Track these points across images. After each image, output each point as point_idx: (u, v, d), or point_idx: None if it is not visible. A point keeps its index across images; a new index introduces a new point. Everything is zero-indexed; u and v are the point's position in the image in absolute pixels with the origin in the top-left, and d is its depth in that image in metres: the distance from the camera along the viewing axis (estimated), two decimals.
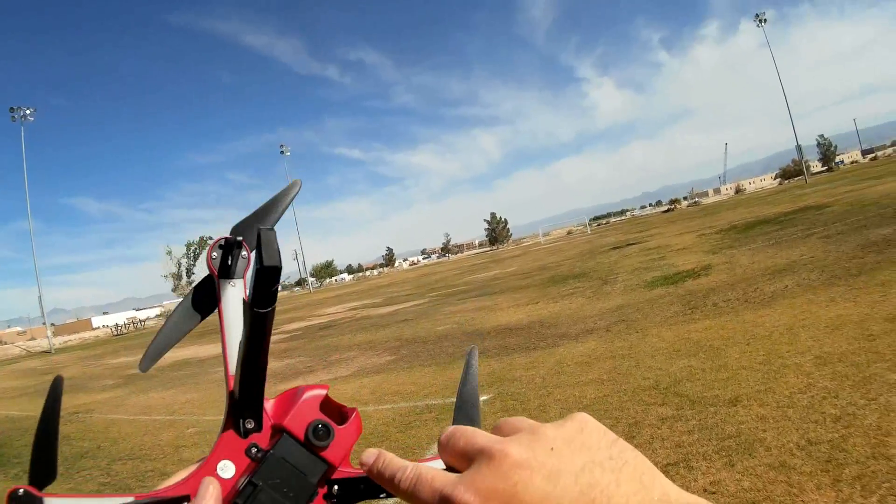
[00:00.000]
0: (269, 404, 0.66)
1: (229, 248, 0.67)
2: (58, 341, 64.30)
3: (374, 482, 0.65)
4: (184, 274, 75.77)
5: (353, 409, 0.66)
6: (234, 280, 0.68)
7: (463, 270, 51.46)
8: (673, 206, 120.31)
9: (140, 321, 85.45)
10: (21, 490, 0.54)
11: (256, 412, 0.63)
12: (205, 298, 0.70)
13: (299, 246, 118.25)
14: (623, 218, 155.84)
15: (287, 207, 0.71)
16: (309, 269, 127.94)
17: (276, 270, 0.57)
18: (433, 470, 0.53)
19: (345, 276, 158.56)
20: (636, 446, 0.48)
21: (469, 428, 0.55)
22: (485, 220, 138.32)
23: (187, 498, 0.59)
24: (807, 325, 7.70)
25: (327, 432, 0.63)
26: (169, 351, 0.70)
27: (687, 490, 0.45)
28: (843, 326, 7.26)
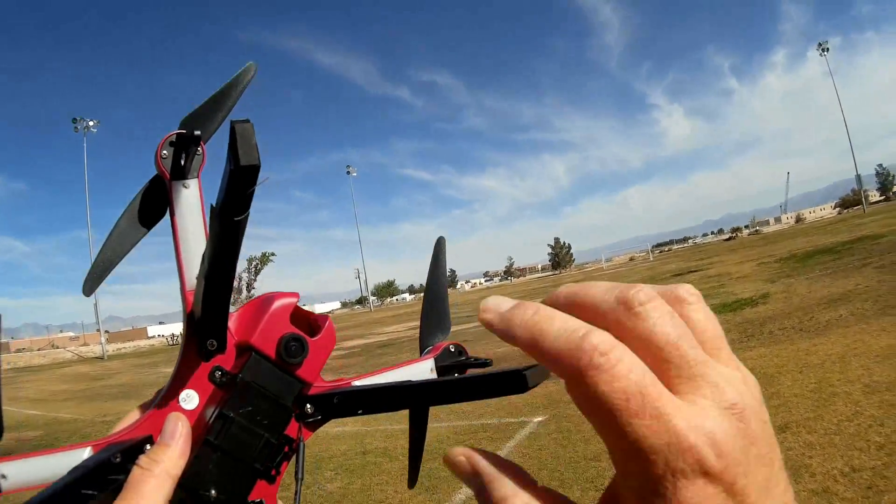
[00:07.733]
0: (230, 319, 0.56)
1: (184, 143, 0.57)
2: (111, 348, 61.27)
3: (350, 395, 0.58)
4: (244, 288, 72.66)
5: (326, 317, 0.59)
6: (187, 181, 0.59)
7: (524, 293, 50.56)
8: (734, 235, 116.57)
9: None
10: None
11: (220, 331, 0.54)
12: (152, 205, 0.61)
13: (362, 266, 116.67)
14: (685, 245, 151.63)
15: (241, 94, 0.62)
16: (371, 288, 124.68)
17: (254, 169, 0.43)
18: (658, 384, 0.33)
19: (405, 295, 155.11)
20: None
21: (682, 323, 0.35)
22: (548, 245, 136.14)
23: (150, 439, 0.52)
24: (858, 354, 7.53)
25: (301, 347, 0.55)
26: (115, 268, 0.62)
27: None
28: (894, 356, 7.09)
